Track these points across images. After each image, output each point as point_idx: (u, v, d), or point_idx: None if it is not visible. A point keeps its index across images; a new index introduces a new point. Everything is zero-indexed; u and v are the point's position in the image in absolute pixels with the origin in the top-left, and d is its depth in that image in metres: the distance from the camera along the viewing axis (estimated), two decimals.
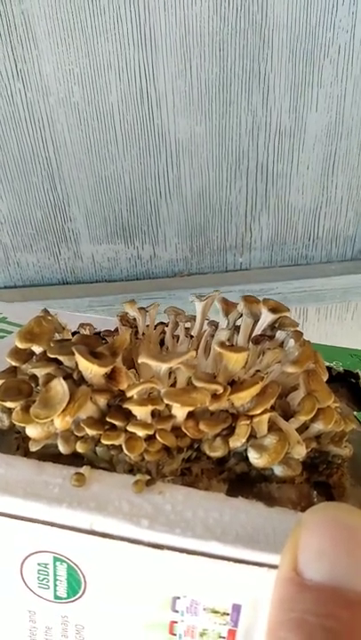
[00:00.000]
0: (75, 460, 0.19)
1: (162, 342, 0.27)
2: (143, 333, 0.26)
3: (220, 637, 0.17)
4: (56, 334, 0.22)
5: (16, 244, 0.63)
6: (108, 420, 0.19)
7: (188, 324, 0.27)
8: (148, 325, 0.27)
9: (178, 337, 0.27)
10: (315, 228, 0.68)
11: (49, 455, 0.19)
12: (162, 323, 0.28)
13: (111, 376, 0.20)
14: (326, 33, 0.57)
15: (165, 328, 0.27)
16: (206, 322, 0.27)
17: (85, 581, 0.18)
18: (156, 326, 0.27)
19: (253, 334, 0.24)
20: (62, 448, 0.19)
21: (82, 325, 0.25)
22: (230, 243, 0.67)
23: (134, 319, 0.26)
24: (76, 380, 0.19)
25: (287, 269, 0.69)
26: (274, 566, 0.16)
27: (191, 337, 0.26)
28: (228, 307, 0.26)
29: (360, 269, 0.69)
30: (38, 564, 0.18)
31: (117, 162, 0.60)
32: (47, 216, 0.62)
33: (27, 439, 0.19)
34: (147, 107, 0.58)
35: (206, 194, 0.64)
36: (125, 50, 0.55)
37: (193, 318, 0.27)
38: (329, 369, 0.25)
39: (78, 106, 0.57)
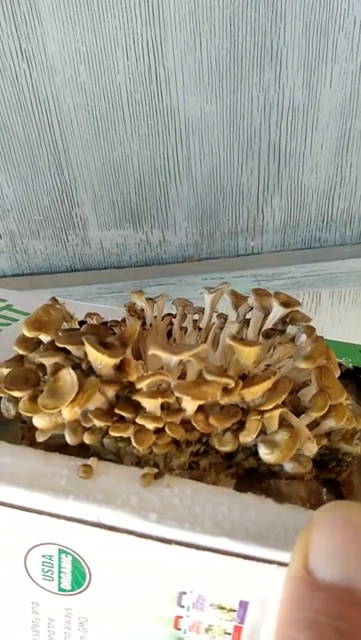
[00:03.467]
0: (80, 450, 0.19)
1: (169, 334, 0.26)
2: (151, 324, 0.26)
3: (226, 633, 0.17)
4: (64, 323, 0.22)
5: (23, 231, 0.63)
6: (116, 411, 0.19)
7: (196, 316, 0.27)
8: (155, 316, 0.26)
9: (185, 329, 0.26)
10: (328, 210, 0.67)
11: (54, 445, 0.19)
12: (169, 314, 0.27)
13: (120, 367, 0.19)
14: (342, 3, 0.55)
15: (173, 319, 0.27)
16: (215, 314, 0.26)
17: (90, 574, 0.18)
18: (163, 317, 0.27)
19: (264, 328, 0.24)
20: (69, 439, 0.19)
21: (89, 315, 0.25)
22: (242, 226, 0.66)
23: (142, 310, 0.26)
24: (84, 371, 0.19)
25: (300, 253, 0.68)
26: (283, 564, 0.16)
27: (199, 329, 0.26)
28: (237, 299, 0.26)
29: None
30: (43, 556, 0.18)
31: (125, 143, 0.59)
32: (54, 202, 0.61)
33: (32, 429, 0.19)
34: (155, 85, 0.56)
35: (217, 175, 0.62)
36: (133, 26, 0.53)
37: (201, 310, 0.27)
38: (338, 365, 0.25)
39: (85, 86, 0.55)
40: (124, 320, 0.26)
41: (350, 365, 0.28)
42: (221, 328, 0.25)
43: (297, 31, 0.56)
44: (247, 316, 0.25)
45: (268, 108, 0.60)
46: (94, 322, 0.24)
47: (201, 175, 0.62)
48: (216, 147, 0.61)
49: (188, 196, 0.63)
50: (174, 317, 0.27)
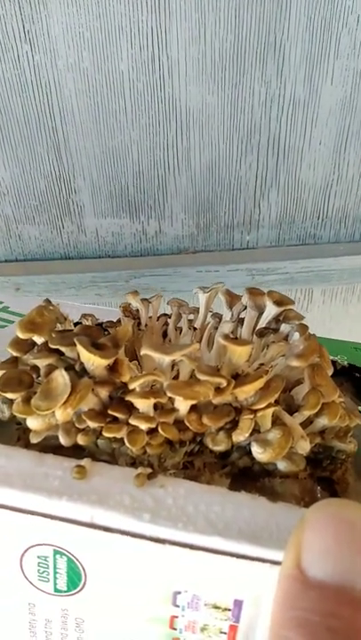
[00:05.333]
0: (76, 451, 0.19)
1: (164, 334, 0.26)
2: (146, 325, 0.26)
3: (222, 633, 0.17)
4: (58, 324, 0.21)
5: (18, 216, 0.62)
6: (109, 412, 0.19)
7: (191, 316, 0.27)
8: (150, 317, 0.26)
9: (181, 329, 0.26)
10: (324, 207, 0.67)
11: (50, 447, 0.19)
12: (165, 314, 0.27)
13: (113, 368, 0.19)
14: (346, 1, 0.55)
15: (168, 320, 0.27)
16: (210, 314, 0.26)
17: (85, 575, 0.18)
18: (158, 318, 0.27)
19: (258, 327, 0.24)
20: (63, 440, 0.19)
21: (84, 316, 0.25)
22: (238, 220, 0.66)
23: (137, 310, 0.26)
24: (77, 372, 0.19)
25: (295, 249, 0.68)
26: (277, 562, 0.16)
27: (194, 329, 0.26)
28: (232, 299, 0.26)
29: None
30: (38, 557, 0.18)
31: (125, 132, 0.58)
32: (51, 187, 0.61)
33: (27, 430, 0.19)
34: (158, 74, 0.56)
35: (216, 168, 0.62)
36: (138, 13, 0.53)
37: (196, 310, 0.27)
38: (333, 363, 0.25)
39: (87, 71, 0.55)
40: (119, 321, 0.26)
41: (345, 363, 0.28)
42: (216, 327, 0.25)
43: (301, 26, 0.56)
44: (241, 315, 0.25)
45: (269, 103, 0.59)
46: (89, 323, 0.24)
47: (200, 167, 0.62)
48: (216, 139, 0.60)
49: (187, 188, 0.63)
50: (169, 318, 0.27)
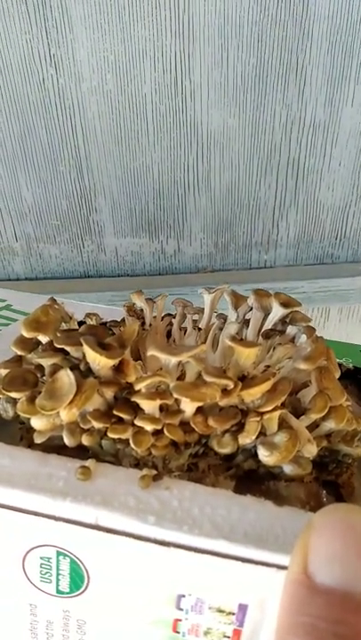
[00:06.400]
0: (79, 452, 0.19)
1: (168, 334, 0.26)
2: (150, 325, 0.25)
3: (225, 637, 0.17)
4: (63, 324, 0.21)
5: (39, 235, 0.63)
6: (115, 412, 0.19)
7: (195, 317, 0.27)
8: (155, 317, 0.26)
9: (185, 329, 0.26)
10: (343, 227, 0.67)
11: (53, 447, 0.19)
12: (169, 314, 0.27)
13: (119, 368, 0.19)
14: None
15: (173, 320, 0.27)
16: (215, 315, 0.26)
17: (88, 576, 0.17)
18: (163, 318, 0.27)
19: (263, 329, 0.23)
20: (68, 440, 0.19)
21: (88, 315, 0.24)
22: (256, 239, 0.66)
23: (141, 310, 0.26)
24: (82, 372, 0.19)
25: (312, 268, 0.68)
26: (283, 567, 0.16)
27: (199, 329, 0.26)
28: (237, 300, 0.25)
29: None
30: (41, 558, 0.18)
31: (147, 153, 0.59)
32: (72, 207, 0.62)
33: (31, 430, 0.19)
34: (180, 97, 0.57)
35: (235, 188, 0.63)
36: (162, 37, 0.54)
37: (201, 310, 0.27)
38: (338, 365, 0.25)
39: (111, 94, 0.56)
40: (123, 320, 0.26)
41: (351, 366, 0.28)
42: (221, 328, 0.25)
43: (322, 50, 0.57)
44: (247, 317, 0.25)
45: (290, 125, 0.60)
46: (93, 322, 0.24)
47: (220, 188, 0.62)
48: (236, 160, 0.61)
49: (206, 208, 0.63)
50: (174, 318, 0.27)
